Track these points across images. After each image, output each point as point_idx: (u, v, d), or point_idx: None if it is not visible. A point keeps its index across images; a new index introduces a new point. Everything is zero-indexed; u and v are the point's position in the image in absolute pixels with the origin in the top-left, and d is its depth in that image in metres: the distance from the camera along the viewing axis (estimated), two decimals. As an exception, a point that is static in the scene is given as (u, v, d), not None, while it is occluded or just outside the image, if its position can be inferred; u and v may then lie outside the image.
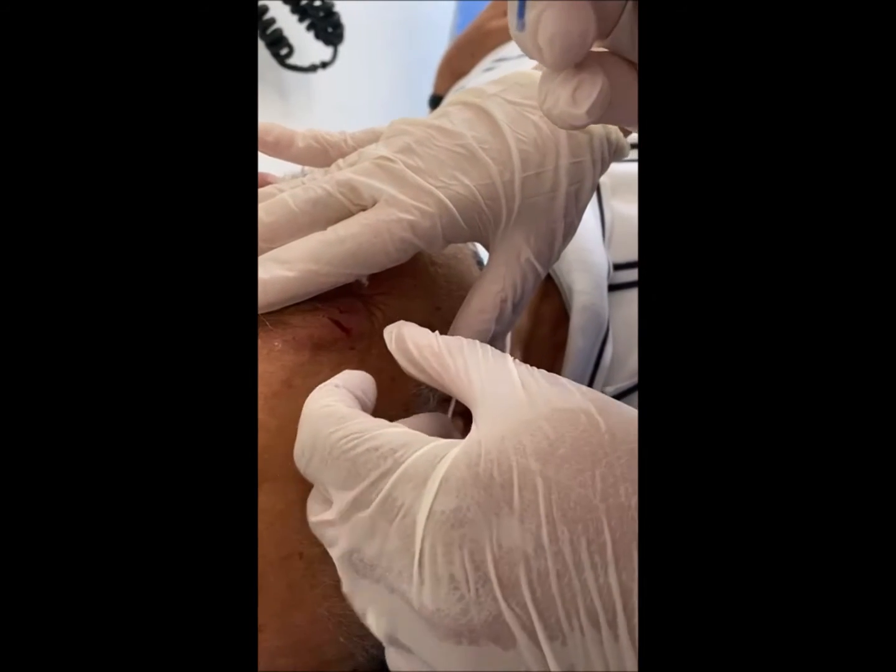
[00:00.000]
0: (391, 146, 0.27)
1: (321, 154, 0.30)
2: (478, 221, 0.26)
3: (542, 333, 0.39)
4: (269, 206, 0.26)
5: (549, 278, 0.40)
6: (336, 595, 0.23)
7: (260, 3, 0.65)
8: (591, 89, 0.19)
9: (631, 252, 0.39)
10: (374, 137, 0.29)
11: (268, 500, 0.23)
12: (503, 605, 0.17)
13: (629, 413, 0.19)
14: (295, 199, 0.26)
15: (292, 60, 0.71)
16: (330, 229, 0.25)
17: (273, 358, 0.24)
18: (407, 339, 0.23)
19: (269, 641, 0.24)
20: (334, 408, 0.21)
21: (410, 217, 0.24)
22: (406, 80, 0.98)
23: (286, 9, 0.68)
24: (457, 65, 0.68)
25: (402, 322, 0.24)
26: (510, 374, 0.20)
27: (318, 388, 0.22)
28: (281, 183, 0.29)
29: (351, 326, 0.26)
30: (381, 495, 0.18)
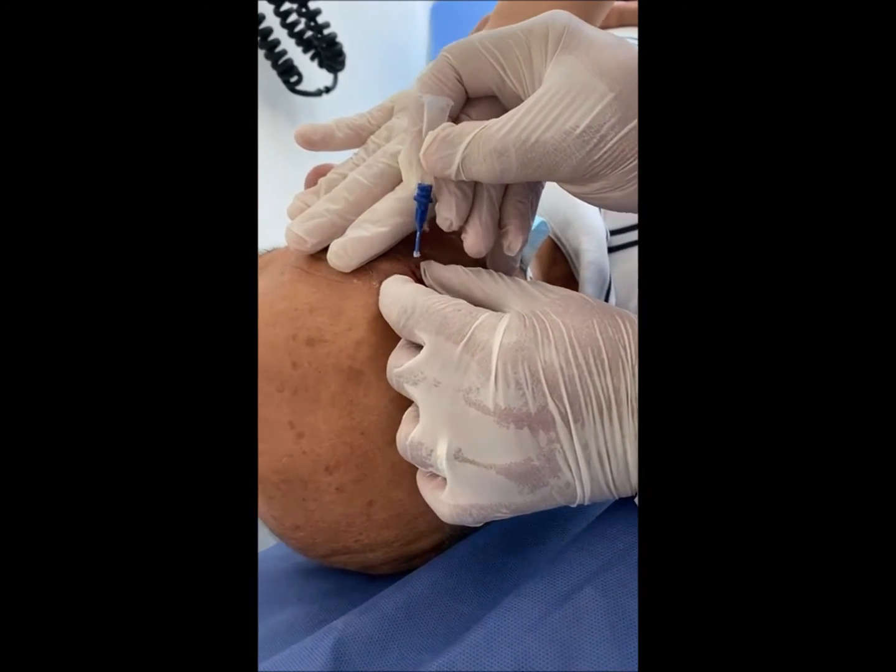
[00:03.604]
0: None
1: (356, 138, 0.38)
2: None
3: (554, 291, 0.47)
4: (348, 187, 0.33)
5: (556, 248, 0.48)
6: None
7: (271, 37, 0.72)
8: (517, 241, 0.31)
9: (622, 220, 0.47)
10: (388, 113, 0.38)
11: (375, 397, 0.30)
12: (549, 398, 0.25)
13: (602, 302, 0.29)
14: (364, 176, 0.33)
15: (300, 87, 0.79)
16: (399, 189, 0.32)
17: (373, 292, 0.31)
18: (437, 272, 0.31)
19: (377, 514, 0.31)
20: (421, 287, 0.29)
21: None
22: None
23: (293, 40, 0.76)
24: None
25: (429, 262, 0.32)
26: (521, 283, 0.30)
27: (395, 278, 0.30)
28: (338, 167, 0.36)
29: (420, 276, 0.33)
30: (466, 337, 0.26)
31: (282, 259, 0.34)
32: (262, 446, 0.31)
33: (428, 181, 0.30)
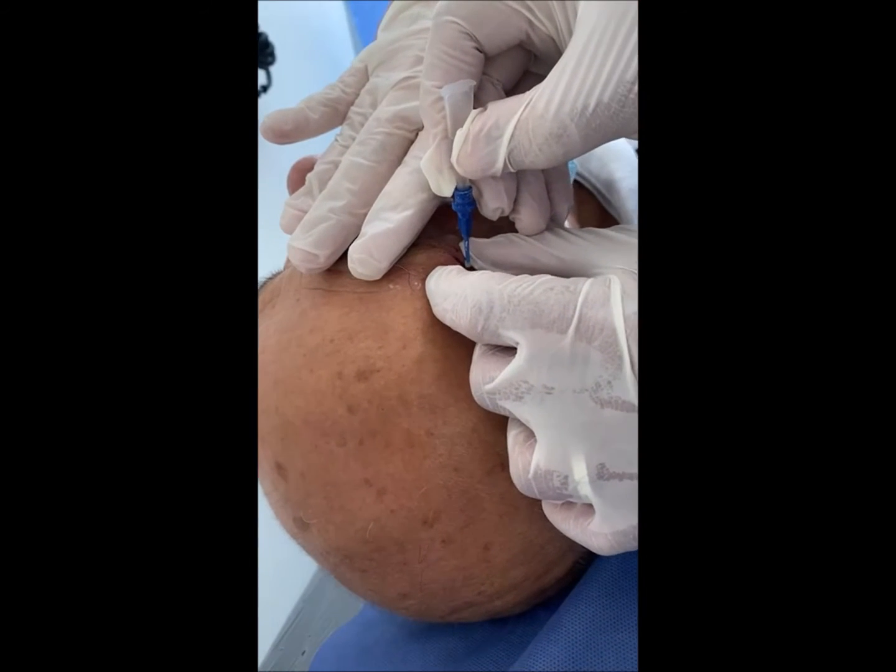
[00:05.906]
0: (402, 66, 0.28)
1: (334, 115, 0.31)
2: None
3: (594, 232, 0.41)
4: (347, 175, 0.26)
5: (579, 186, 0.42)
6: None
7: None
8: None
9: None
10: (362, 76, 0.31)
11: (458, 422, 0.24)
12: None
13: None
14: (362, 156, 0.27)
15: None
16: (410, 158, 0.26)
17: (417, 296, 0.25)
18: (488, 250, 0.25)
19: (498, 557, 0.25)
20: (487, 273, 0.23)
21: None
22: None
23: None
24: None
25: (472, 240, 0.25)
26: (599, 232, 0.24)
27: (442, 272, 0.24)
28: (325, 156, 0.30)
29: (463, 259, 0.27)
30: (574, 321, 0.20)
31: (291, 284, 0.28)
32: (338, 517, 0.25)
33: (466, 183, 0.24)
